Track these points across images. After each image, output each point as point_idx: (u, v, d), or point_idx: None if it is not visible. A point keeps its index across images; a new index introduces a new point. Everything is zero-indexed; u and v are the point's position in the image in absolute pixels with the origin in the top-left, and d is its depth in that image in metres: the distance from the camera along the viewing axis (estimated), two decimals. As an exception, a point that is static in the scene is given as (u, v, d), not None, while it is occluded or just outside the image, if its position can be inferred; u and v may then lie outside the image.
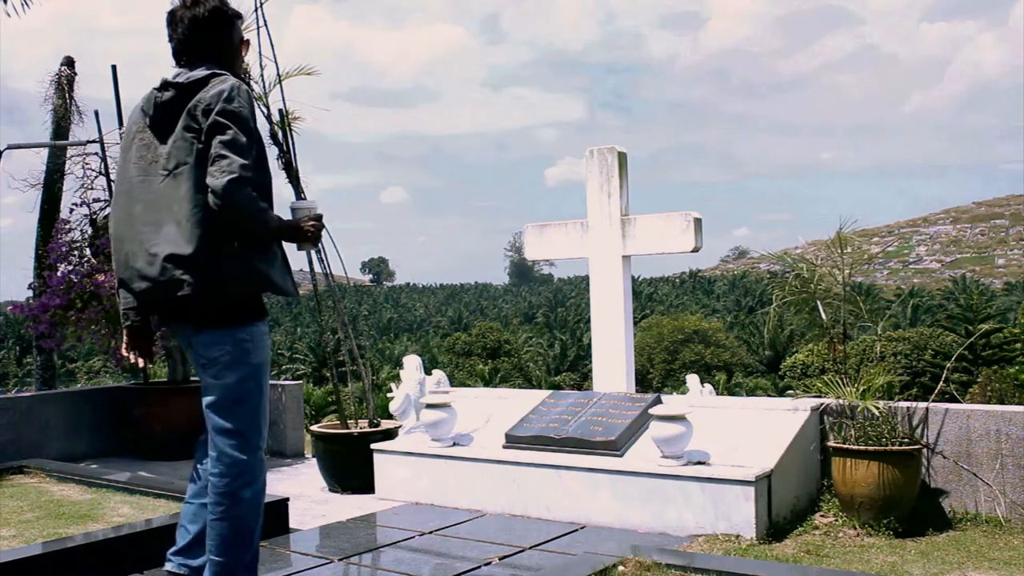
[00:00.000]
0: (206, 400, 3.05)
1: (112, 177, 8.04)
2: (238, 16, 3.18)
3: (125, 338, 3.19)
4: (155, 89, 3.05)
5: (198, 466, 3.19)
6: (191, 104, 2.93)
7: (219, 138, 2.86)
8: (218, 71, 3.01)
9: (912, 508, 4.44)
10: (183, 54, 3.09)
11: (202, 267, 2.88)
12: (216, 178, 2.82)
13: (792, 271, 5.25)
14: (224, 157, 2.83)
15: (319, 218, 3.12)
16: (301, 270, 6.94)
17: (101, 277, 6.97)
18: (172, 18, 3.09)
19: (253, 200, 2.86)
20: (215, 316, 2.97)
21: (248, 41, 3.27)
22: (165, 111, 2.99)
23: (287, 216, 3.10)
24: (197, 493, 3.16)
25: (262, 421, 3.07)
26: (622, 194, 5.67)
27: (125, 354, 3.23)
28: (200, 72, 2.99)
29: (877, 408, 4.51)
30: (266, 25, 6.46)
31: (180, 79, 2.99)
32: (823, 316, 5.05)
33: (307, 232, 3.07)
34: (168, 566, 3.17)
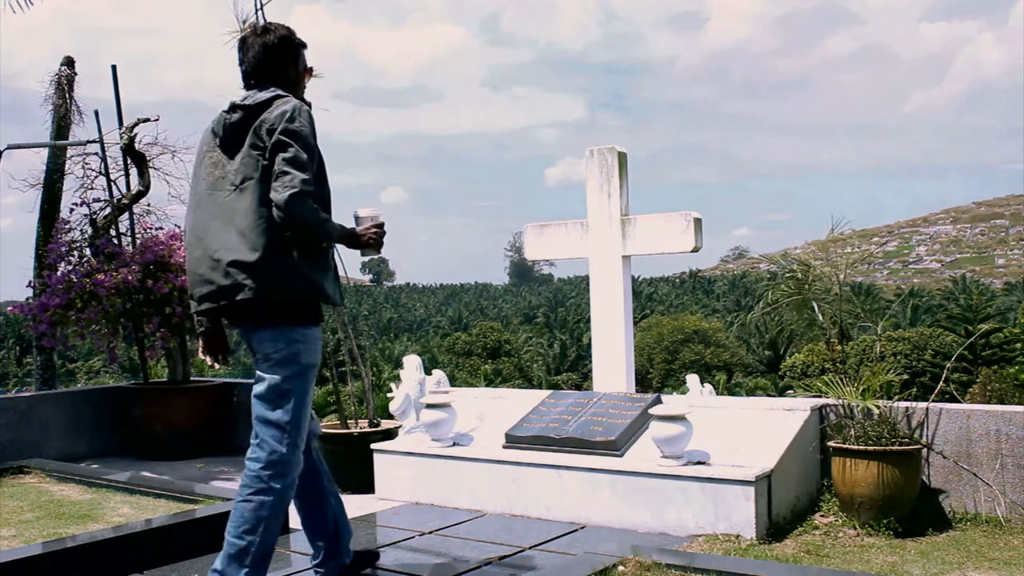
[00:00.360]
0: (255, 390, 3.26)
1: (111, 177, 8.05)
2: (304, 45, 3.45)
3: (200, 343, 3.43)
4: (224, 111, 3.28)
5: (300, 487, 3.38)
6: (256, 124, 3.17)
7: (281, 155, 3.09)
8: (281, 93, 3.25)
9: (912, 508, 4.44)
10: (252, 77, 3.34)
11: (263, 273, 3.12)
12: (279, 193, 3.06)
13: (788, 273, 5.26)
14: (286, 173, 3.07)
15: (381, 226, 3.35)
16: (301, 270, 6.92)
17: (101, 277, 6.98)
18: (243, 44, 3.36)
19: (314, 212, 3.09)
20: (273, 316, 3.19)
21: (312, 69, 3.50)
22: (233, 131, 3.23)
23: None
24: (305, 507, 3.49)
25: (303, 420, 3.25)
26: (622, 194, 5.67)
27: (202, 357, 3.45)
28: (265, 95, 3.23)
29: (877, 408, 4.51)
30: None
31: (247, 101, 3.23)
32: (820, 317, 5.05)
33: (368, 239, 3.31)
34: None
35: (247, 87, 3.35)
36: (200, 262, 3.23)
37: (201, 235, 3.24)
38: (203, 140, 3.38)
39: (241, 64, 3.37)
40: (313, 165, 3.13)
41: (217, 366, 3.48)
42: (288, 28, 3.39)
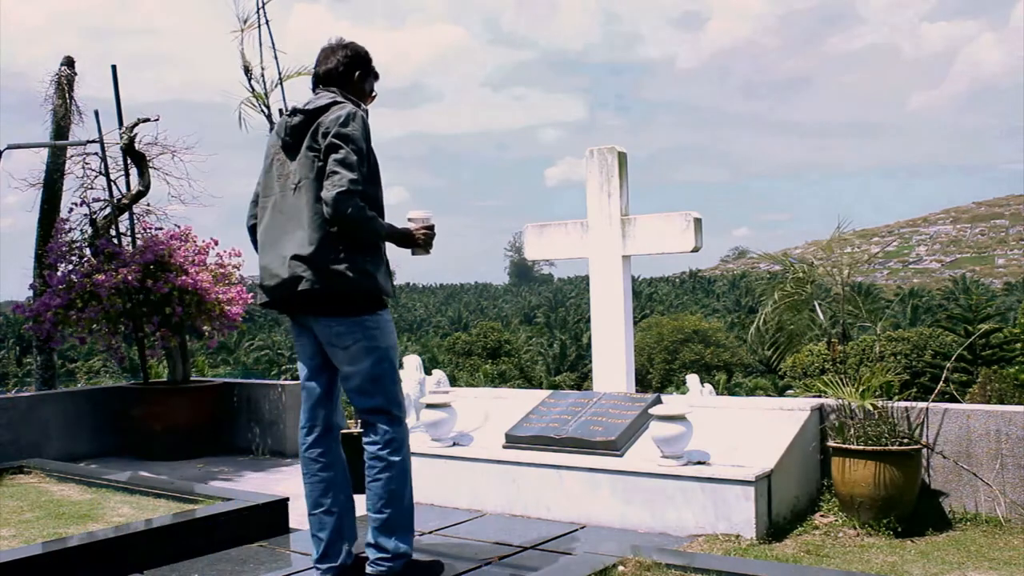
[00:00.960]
0: (348, 386, 3.54)
1: (111, 177, 8.05)
2: (376, 75, 3.71)
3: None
4: (286, 115, 3.54)
5: (315, 476, 3.59)
6: (313, 127, 3.41)
7: (333, 156, 3.33)
8: (340, 99, 3.48)
9: (912, 508, 4.44)
10: (320, 82, 3.60)
11: (318, 266, 3.34)
12: (328, 191, 3.29)
13: (791, 273, 5.26)
14: (336, 173, 3.30)
15: (431, 227, 3.58)
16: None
17: (101, 277, 6.98)
18: (321, 51, 3.63)
19: (361, 209, 3.30)
20: (342, 307, 3.41)
21: (376, 95, 3.72)
22: (295, 133, 3.48)
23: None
24: (315, 504, 3.59)
25: (400, 395, 3.57)
26: (622, 194, 5.67)
27: None
28: (324, 100, 3.47)
29: (877, 408, 4.51)
30: (268, 24, 6.48)
31: (308, 106, 3.47)
32: (821, 316, 5.06)
33: (418, 239, 3.54)
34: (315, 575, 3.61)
35: (314, 91, 3.61)
36: (273, 258, 3.47)
37: (274, 234, 3.48)
38: (269, 143, 3.62)
39: (316, 67, 3.63)
40: (363, 167, 3.35)
41: None
42: (367, 50, 3.67)
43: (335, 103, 3.45)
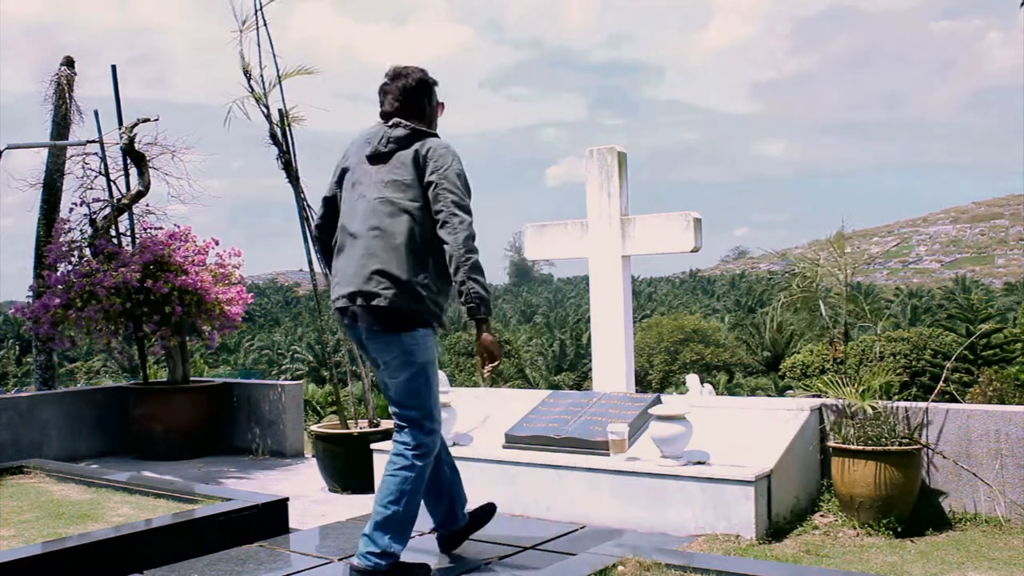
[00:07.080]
0: (387, 395, 3.72)
1: (111, 177, 8.04)
2: (436, 83, 3.85)
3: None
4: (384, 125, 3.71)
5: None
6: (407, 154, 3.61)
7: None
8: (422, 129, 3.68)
9: (912, 508, 4.44)
10: (392, 116, 3.72)
11: (403, 287, 3.56)
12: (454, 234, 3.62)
13: (794, 271, 5.26)
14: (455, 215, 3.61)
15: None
16: (301, 270, 6.95)
17: (100, 277, 6.97)
18: (385, 87, 3.76)
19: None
20: (384, 325, 3.57)
21: (443, 104, 3.88)
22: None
23: None
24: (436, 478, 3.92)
25: (434, 408, 3.70)
26: (622, 194, 5.67)
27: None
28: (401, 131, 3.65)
29: (876, 408, 4.51)
30: (266, 25, 6.48)
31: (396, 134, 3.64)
32: (824, 316, 5.05)
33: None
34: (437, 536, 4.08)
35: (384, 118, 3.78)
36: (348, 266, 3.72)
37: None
38: (351, 150, 3.82)
39: (381, 104, 3.78)
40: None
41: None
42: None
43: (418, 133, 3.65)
